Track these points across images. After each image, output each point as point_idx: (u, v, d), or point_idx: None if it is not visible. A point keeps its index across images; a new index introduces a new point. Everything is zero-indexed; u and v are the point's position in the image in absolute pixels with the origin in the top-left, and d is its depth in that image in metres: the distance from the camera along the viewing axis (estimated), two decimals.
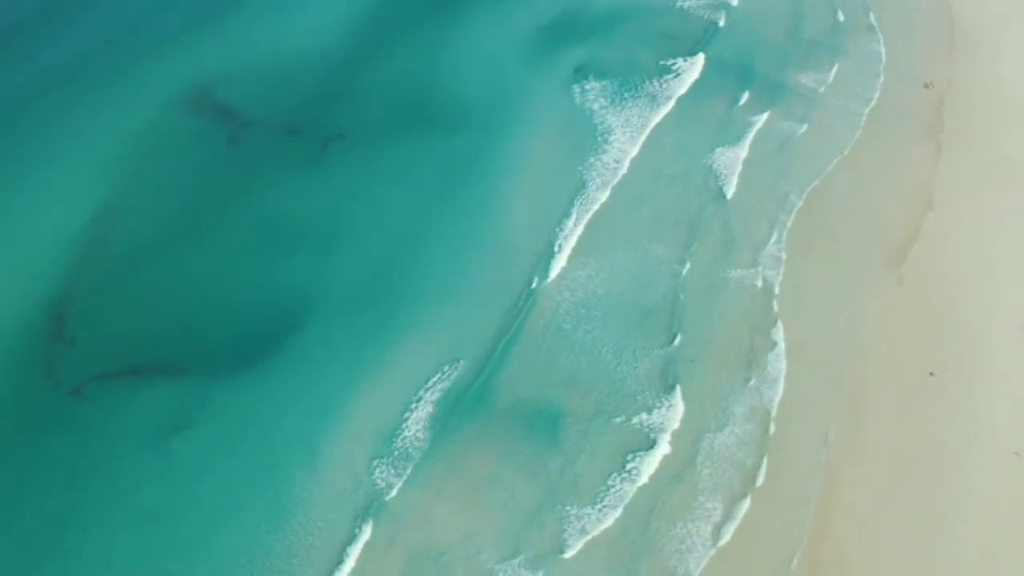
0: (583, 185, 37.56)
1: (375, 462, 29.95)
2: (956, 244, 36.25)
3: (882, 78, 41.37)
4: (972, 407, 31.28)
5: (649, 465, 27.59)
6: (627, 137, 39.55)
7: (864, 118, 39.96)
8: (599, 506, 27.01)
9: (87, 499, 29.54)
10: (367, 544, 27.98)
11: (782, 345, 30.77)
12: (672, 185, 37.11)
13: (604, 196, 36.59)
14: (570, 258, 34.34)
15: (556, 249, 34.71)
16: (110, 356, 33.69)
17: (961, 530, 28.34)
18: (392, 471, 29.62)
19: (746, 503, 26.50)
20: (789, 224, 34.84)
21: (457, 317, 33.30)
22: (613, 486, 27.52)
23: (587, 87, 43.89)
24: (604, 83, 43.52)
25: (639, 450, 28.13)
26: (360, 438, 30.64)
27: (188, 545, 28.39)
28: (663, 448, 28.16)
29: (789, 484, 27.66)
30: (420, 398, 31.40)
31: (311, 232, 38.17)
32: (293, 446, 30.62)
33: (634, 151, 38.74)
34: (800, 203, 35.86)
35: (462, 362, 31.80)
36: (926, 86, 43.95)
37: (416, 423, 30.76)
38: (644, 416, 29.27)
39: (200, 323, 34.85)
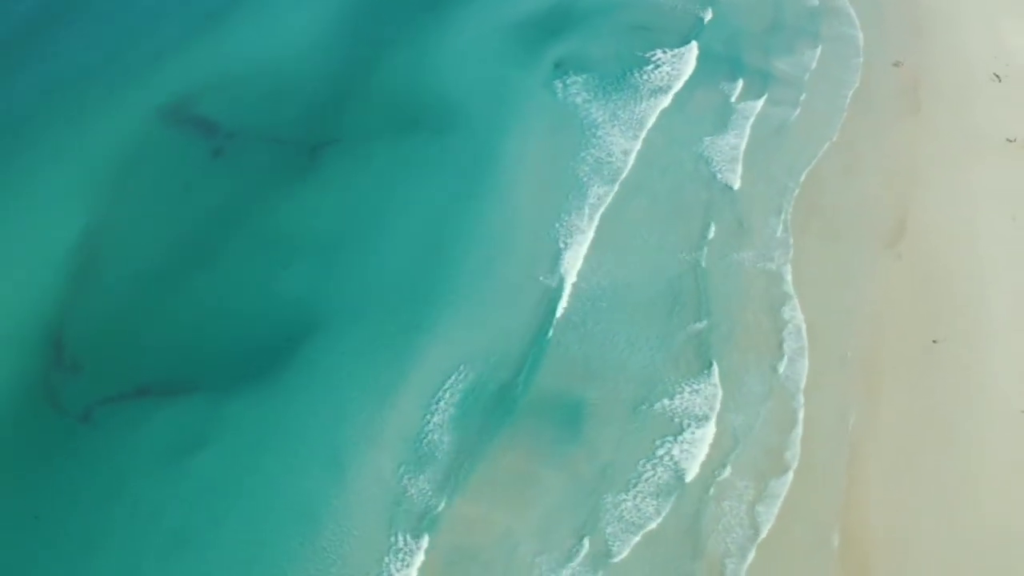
0: (592, 179, 37.75)
1: (403, 468, 29.66)
2: (944, 217, 37.45)
3: (861, 59, 42.56)
4: (976, 370, 32.33)
5: (697, 451, 28.20)
6: (629, 131, 39.90)
7: (848, 100, 41.08)
8: (650, 498, 27.42)
9: (111, 526, 28.77)
10: (405, 552, 27.73)
11: (802, 324, 31.82)
12: (679, 177, 37.64)
13: (614, 189, 36.91)
14: (588, 252, 34.51)
15: (574, 243, 34.84)
16: (115, 379, 32.85)
17: (981, 488, 29.26)
18: (423, 477, 29.34)
19: (788, 479, 27.22)
20: (790, 210, 35.89)
21: (476, 316, 33.21)
22: (661, 474, 27.92)
23: (574, 82, 43.91)
24: (596, 78, 43.49)
25: (683, 437, 28.65)
26: (387, 444, 30.34)
27: (221, 565, 27.87)
28: (707, 433, 28.71)
29: (821, 460, 28.47)
30: (444, 400, 31.24)
31: (310, 240, 37.69)
32: (318, 456, 30.25)
33: (638, 145, 39.15)
34: (797, 189, 36.92)
35: (487, 361, 31.65)
36: (895, 64, 45.31)
37: (443, 426, 30.56)
38: (682, 402, 29.72)
39: (205, 339, 34.21)
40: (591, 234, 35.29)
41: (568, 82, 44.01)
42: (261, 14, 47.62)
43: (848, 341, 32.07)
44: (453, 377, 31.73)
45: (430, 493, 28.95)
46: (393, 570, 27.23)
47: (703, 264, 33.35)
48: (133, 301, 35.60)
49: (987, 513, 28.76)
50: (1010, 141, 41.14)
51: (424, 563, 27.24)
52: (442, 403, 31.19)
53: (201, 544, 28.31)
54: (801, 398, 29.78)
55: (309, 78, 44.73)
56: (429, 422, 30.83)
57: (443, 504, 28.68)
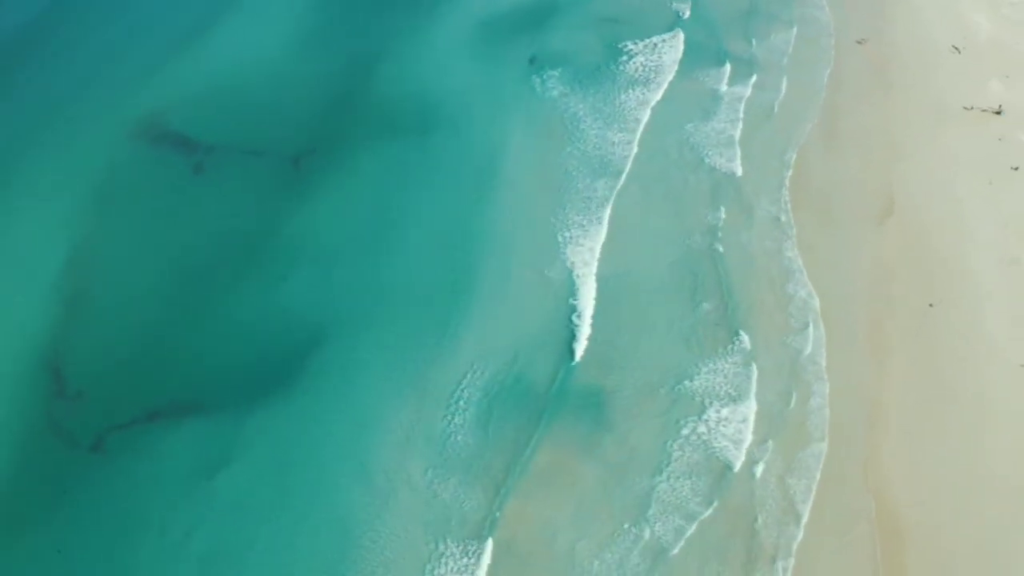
0: (597, 171, 38.05)
1: (433, 472, 29.36)
2: (926, 188, 38.74)
3: (832, 39, 43.82)
4: (973, 330, 33.52)
5: (742, 431, 28.78)
6: (627, 123, 40.35)
7: (825, 81, 42.34)
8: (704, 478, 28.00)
9: (138, 555, 27.93)
10: (447, 557, 27.52)
11: (815, 298, 32.92)
12: (682, 166, 38.30)
13: (621, 181, 37.33)
14: (605, 243, 34.85)
15: (588, 235, 35.06)
16: (123, 405, 31.89)
17: (989, 440, 30.35)
18: (455, 480, 29.12)
19: (824, 449, 28.03)
20: (788, 193, 37.01)
21: (491, 314, 33.18)
22: (713, 452, 28.56)
23: (554, 76, 44.36)
24: (583, 72, 44.08)
25: (726, 415, 29.26)
26: (414, 448, 30.05)
27: None
28: (749, 413, 29.33)
29: (846, 421, 29.45)
30: (466, 400, 31.09)
31: (306, 250, 37.10)
32: (346, 466, 29.82)
33: (637, 136, 39.58)
34: (791, 171, 38.02)
35: (510, 358, 31.65)
36: (859, 42, 46.69)
37: (469, 426, 30.40)
38: (719, 385, 30.29)
39: (212, 357, 33.45)
40: (605, 226, 35.59)
41: (550, 76, 44.26)
42: (230, 28, 46.77)
43: (854, 311, 33.07)
44: (473, 376, 31.61)
45: (464, 496, 28.73)
46: (438, 573, 27.06)
47: (720, 249, 34.18)
48: (130, 324, 34.65)
49: (997, 463, 29.84)
50: (967, 109, 42.78)
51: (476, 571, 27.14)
52: (465, 403, 31.03)
53: (235, 568, 27.70)
54: (823, 365, 30.93)
55: (284, 88, 44.12)
56: (453, 423, 30.66)
57: (484, 507, 28.43)
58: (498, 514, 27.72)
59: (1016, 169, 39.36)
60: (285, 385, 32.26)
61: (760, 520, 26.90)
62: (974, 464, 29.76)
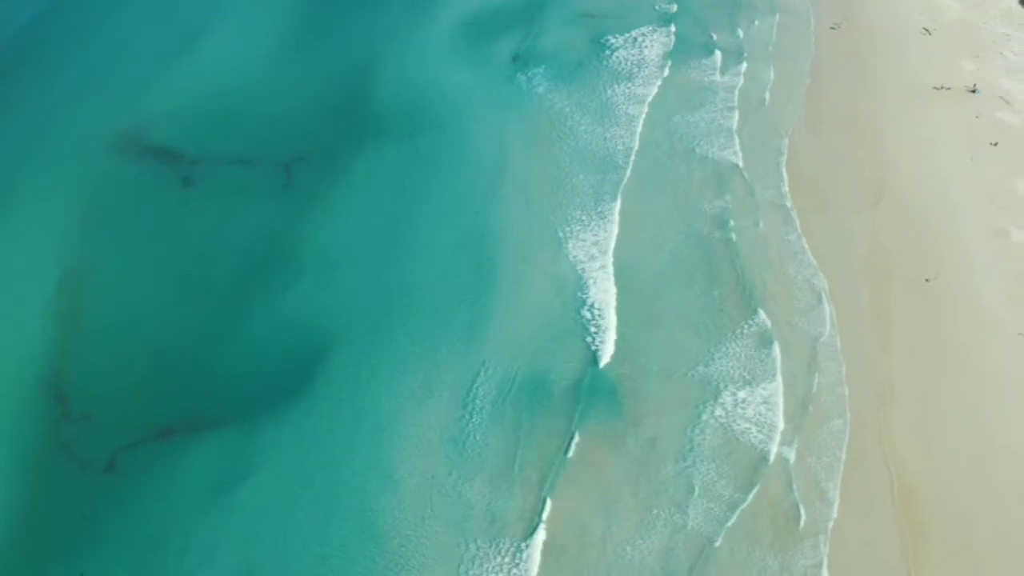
0: (602, 167, 38.33)
1: (453, 472, 29.21)
2: (911, 167, 39.71)
3: (812, 27, 44.76)
4: (970, 302, 34.41)
5: (774, 407, 29.31)
6: (626, 116, 40.76)
7: (807, 68, 43.23)
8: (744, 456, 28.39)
9: (163, 574, 27.46)
10: (478, 557, 27.35)
11: (822, 277, 33.78)
12: (688, 157, 38.68)
13: (626, 176, 37.68)
14: (619, 237, 35.03)
15: (601, 228, 35.28)
16: (133, 424, 31.20)
17: (994, 408, 31.19)
18: (476, 476, 29.05)
19: (845, 425, 28.86)
20: (785, 179, 37.85)
21: (506, 310, 33.18)
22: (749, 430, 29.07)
23: (539, 73, 44.59)
24: (563, 69, 44.58)
25: (756, 398, 29.69)
26: (435, 449, 29.87)
27: None
28: (777, 390, 29.91)
29: (860, 397, 30.23)
30: (483, 398, 31.01)
31: (305, 257, 36.72)
32: (368, 470, 29.47)
33: (637, 129, 39.97)
34: (785, 155, 38.78)
35: (524, 353, 31.71)
36: (833, 27, 47.67)
37: (485, 423, 30.33)
38: (744, 365, 30.81)
39: (218, 371, 32.84)
40: (616, 220, 35.79)
41: (535, 73, 44.46)
42: (211, 39, 46.10)
43: (857, 290, 33.81)
44: (488, 374, 31.52)
45: (490, 495, 28.58)
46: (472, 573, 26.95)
47: (733, 238, 34.81)
48: (130, 342, 33.87)
49: (1002, 429, 30.65)
50: (937, 89, 43.94)
51: (496, 560, 27.08)
52: (481, 401, 30.94)
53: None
54: (838, 347, 31.58)
55: (270, 96, 43.59)
56: (472, 421, 30.54)
57: (526, 506, 28.29)
58: (542, 513, 27.77)
59: (995, 145, 40.52)
60: (298, 394, 31.83)
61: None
62: (981, 432, 30.53)
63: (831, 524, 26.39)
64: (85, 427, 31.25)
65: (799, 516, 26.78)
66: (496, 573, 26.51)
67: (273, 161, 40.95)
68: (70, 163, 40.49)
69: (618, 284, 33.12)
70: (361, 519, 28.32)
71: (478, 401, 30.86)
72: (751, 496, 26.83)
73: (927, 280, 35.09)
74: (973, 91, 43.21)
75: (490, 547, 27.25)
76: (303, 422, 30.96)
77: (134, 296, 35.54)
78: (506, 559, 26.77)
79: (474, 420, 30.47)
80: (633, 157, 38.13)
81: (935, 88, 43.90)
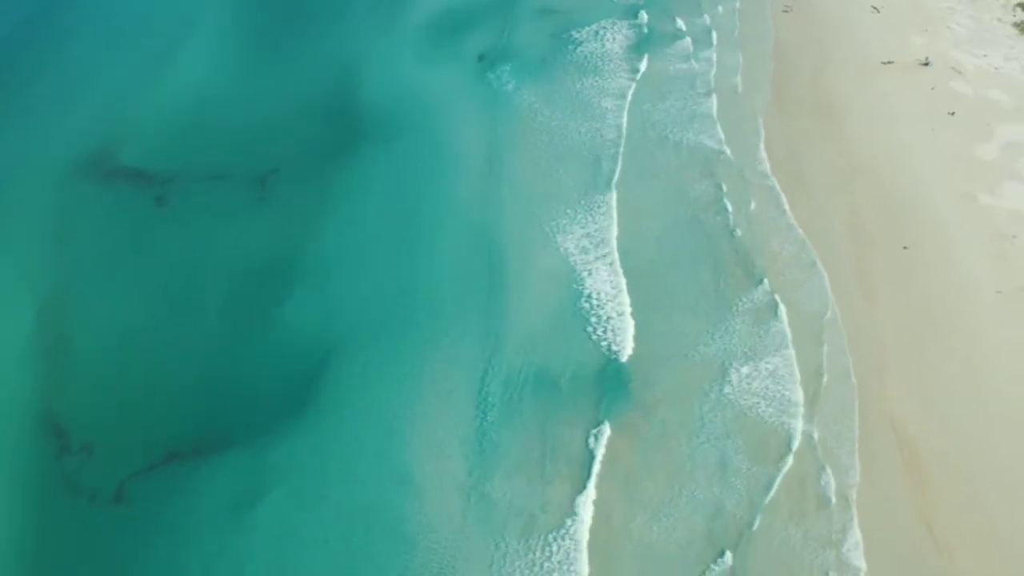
0: (594, 159, 38.59)
1: (477, 472, 29.15)
2: (877, 140, 41.00)
3: (768, 10, 46.00)
4: (947, 265, 35.74)
5: (791, 379, 30.27)
6: (609, 109, 41.15)
7: (771, 52, 44.43)
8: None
9: None
10: (512, 555, 27.34)
11: (812, 251, 35.10)
12: (675, 146, 39.30)
13: (618, 165, 38.00)
14: (619, 227, 35.38)
15: (598, 221, 35.56)
16: (137, 451, 30.45)
17: (981, 364, 32.54)
18: (505, 474, 29.02)
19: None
20: (766, 161, 38.95)
21: (506, 308, 33.27)
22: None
23: (502, 70, 44.71)
24: (521, 64, 44.65)
25: (771, 370, 30.67)
26: (450, 449, 29.85)
27: None
28: (792, 363, 30.91)
29: (861, 359, 31.69)
30: (493, 395, 31.04)
31: (291, 270, 36.15)
32: (386, 477, 29.30)
33: (623, 119, 40.44)
34: (763, 134, 39.85)
35: (538, 349, 31.80)
36: (785, 10, 48.95)
37: (505, 420, 30.33)
38: (759, 339, 31.77)
39: (219, 390, 32.18)
40: (614, 211, 36.09)
41: (503, 71, 44.58)
42: (174, 57, 44.95)
43: (843, 261, 35.02)
44: (501, 371, 31.56)
45: (522, 491, 28.53)
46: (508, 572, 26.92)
47: (731, 220, 35.71)
48: (123, 368, 32.97)
49: (991, 383, 32.00)
50: (885, 63, 45.53)
51: (530, 557, 27.16)
52: (498, 399, 30.95)
53: None
54: (838, 313, 32.91)
55: (239, 110, 42.74)
56: (486, 419, 30.57)
57: (548, 499, 28.37)
58: (584, 505, 27.91)
59: (952, 114, 42.15)
60: (305, 406, 31.46)
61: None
62: (973, 388, 31.79)
63: (855, 489, 27.33)
64: (88, 458, 30.35)
65: (828, 481, 27.68)
66: (546, 571, 26.59)
67: (247, 175, 40.19)
68: (35, 191, 39.17)
69: (627, 275, 33.50)
70: (387, 525, 28.10)
71: (493, 399, 30.95)
72: (789, 462, 27.83)
73: (905, 248, 36.35)
74: (926, 64, 44.86)
75: (532, 544, 27.27)
76: (314, 434, 30.61)
77: (119, 322, 34.59)
78: (554, 555, 26.84)
79: (490, 419, 30.49)
80: (621, 149, 38.58)
81: (884, 63, 45.33)
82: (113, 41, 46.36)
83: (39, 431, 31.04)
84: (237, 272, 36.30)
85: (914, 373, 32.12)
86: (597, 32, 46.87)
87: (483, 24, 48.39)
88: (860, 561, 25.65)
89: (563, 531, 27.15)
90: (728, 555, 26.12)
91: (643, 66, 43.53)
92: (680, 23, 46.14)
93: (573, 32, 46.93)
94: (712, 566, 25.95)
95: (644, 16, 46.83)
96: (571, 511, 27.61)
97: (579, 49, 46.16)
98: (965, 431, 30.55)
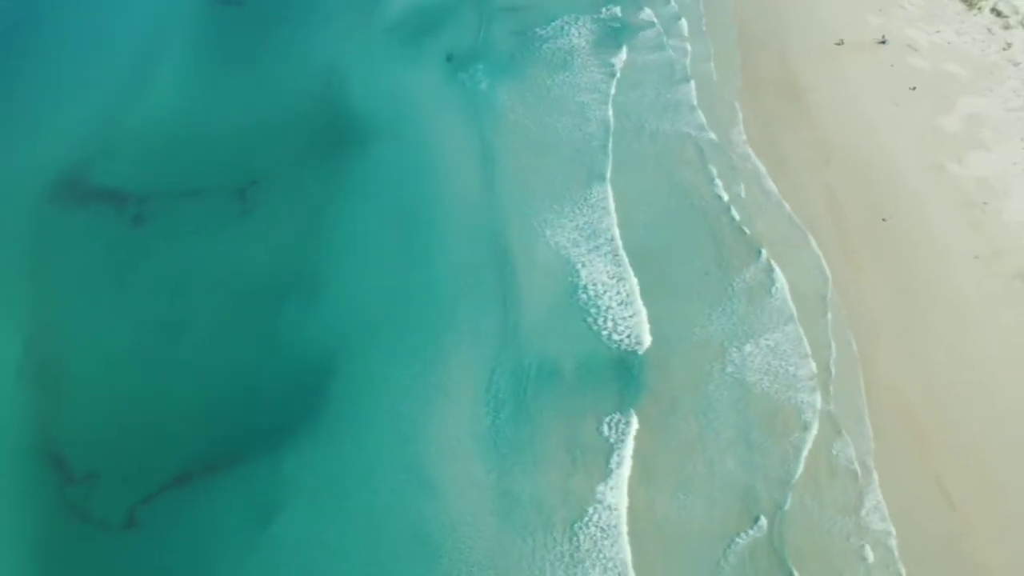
0: (584, 153, 38.91)
1: (497, 471, 29.16)
2: (843, 117, 42.04)
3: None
4: (924, 233, 36.82)
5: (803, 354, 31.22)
6: (590, 100, 41.55)
7: (736, 37, 45.46)
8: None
9: None
10: (540, 551, 27.37)
11: (804, 228, 36.14)
12: (663, 136, 39.78)
13: (609, 158, 38.35)
14: (619, 219, 35.71)
15: (595, 211, 35.90)
16: (144, 474, 29.85)
17: (965, 322, 33.70)
18: (518, 470, 29.17)
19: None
20: (748, 146, 39.87)
21: (510, 303, 33.40)
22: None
23: (474, 70, 44.68)
24: (492, 63, 44.74)
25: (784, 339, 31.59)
26: (465, 448, 29.88)
27: None
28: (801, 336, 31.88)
29: (858, 330, 32.66)
30: (503, 391, 31.16)
31: (282, 281, 35.71)
32: (404, 481, 29.21)
33: (608, 111, 40.80)
34: (743, 115, 40.95)
35: (546, 341, 31.97)
36: None
37: (513, 416, 30.46)
38: (765, 303, 32.77)
39: (222, 406, 31.69)
40: (611, 203, 36.41)
41: (474, 70, 44.55)
42: (137, 71, 44.02)
43: (827, 235, 36.04)
44: (504, 367, 31.63)
45: (531, 488, 28.71)
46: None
47: (729, 208, 36.45)
48: (119, 392, 32.28)
49: (978, 344, 33.21)
50: (838, 45, 46.84)
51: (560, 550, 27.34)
52: (504, 394, 31.06)
53: None
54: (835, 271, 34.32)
55: (209, 122, 42.04)
56: (498, 416, 30.63)
57: (577, 492, 28.52)
58: (620, 496, 28.10)
59: (913, 89, 43.49)
60: (312, 416, 31.15)
61: None
62: (963, 350, 32.89)
63: (871, 456, 28.29)
64: (93, 486, 29.63)
65: (847, 450, 28.62)
66: (591, 561, 26.74)
67: (226, 188, 39.59)
68: (8, 217, 38.08)
69: (631, 262, 33.92)
70: (410, 529, 27.99)
71: (505, 395, 31.02)
72: (813, 432, 28.67)
73: (884, 220, 37.47)
74: (883, 42, 46.20)
75: (569, 535, 27.39)
76: (326, 443, 30.35)
77: (110, 346, 33.81)
78: (595, 542, 27.02)
79: (503, 415, 30.54)
80: (611, 142, 39.02)
81: (844, 44, 46.44)
82: (79, 59, 45.23)
83: (39, 463, 30.22)
84: (226, 287, 35.76)
85: (905, 339, 33.13)
86: (563, 27, 47.16)
87: (445, 26, 48.25)
88: (888, 525, 26.61)
89: (596, 520, 27.37)
90: (763, 520, 26.79)
91: (622, 57, 43.99)
92: (651, 12, 46.74)
93: (539, 29, 47.11)
94: (749, 531, 26.58)
95: (611, 8, 47.30)
96: (600, 499, 27.83)
97: (548, 45, 46.37)
98: (957, 389, 31.59)
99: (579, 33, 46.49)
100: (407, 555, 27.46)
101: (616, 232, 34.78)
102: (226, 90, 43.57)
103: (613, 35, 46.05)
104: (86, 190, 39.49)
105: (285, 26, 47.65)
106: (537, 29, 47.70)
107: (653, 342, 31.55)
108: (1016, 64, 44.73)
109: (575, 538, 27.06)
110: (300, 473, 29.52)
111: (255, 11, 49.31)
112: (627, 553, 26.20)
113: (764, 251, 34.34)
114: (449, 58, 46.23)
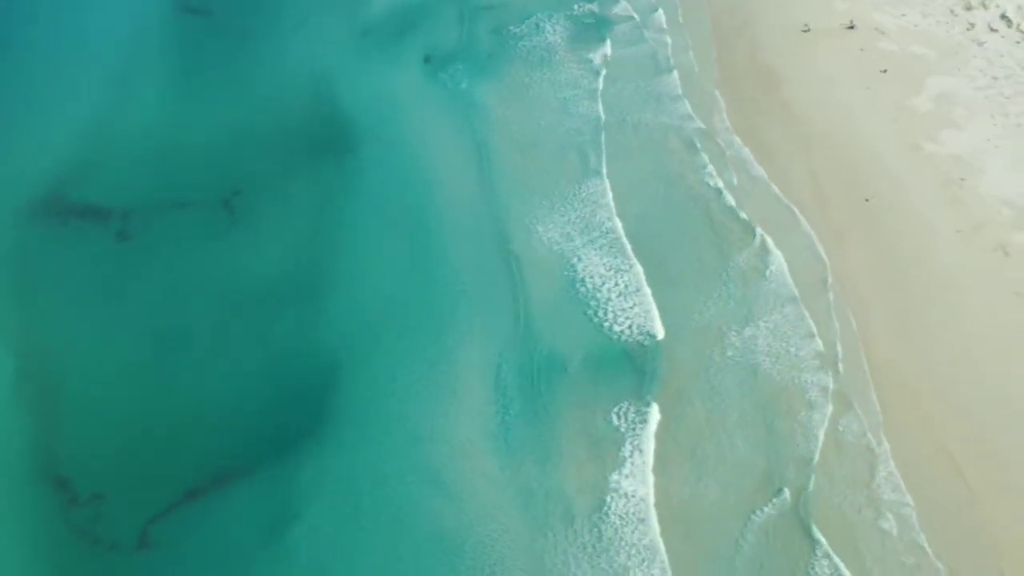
0: (576, 148, 39.20)
1: (509, 467, 29.22)
2: (818, 102, 42.85)
3: None
4: (907, 211, 37.69)
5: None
6: (581, 96, 41.90)
7: (710, 28, 46.23)
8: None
9: None
10: (562, 544, 27.42)
11: (796, 212, 37.18)
12: (654, 127, 40.43)
13: (602, 150, 38.79)
14: (619, 210, 36.10)
15: (595, 201, 36.25)
16: (153, 492, 29.28)
17: (952, 295, 34.52)
18: (532, 464, 29.25)
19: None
20: (735, 132, 40.75)
21: (511, 299, 33.52)
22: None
23: (454, 70, 44.73)
24: (472, 63, 44.86)
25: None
26: (477, 447, 29.88)
27: None
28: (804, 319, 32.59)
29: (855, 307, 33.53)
30: (510, 387, 31.20)
31: (275, 291, 35.38)
32: (419, 483, 29.10)
33: (598, 106, 41.16)
34: (725, 103, 41.81)
35: (551, 335, 32.13)
36: None
37: (523, 411, 30.55)
38: (763, 285, 33.63)
39: (227, 419, 31.25)
40: (610, 195, 36.82)
41: (454, 71, 44.62)
42: (112, 82, 43.22)
43: (814, 216, 36.93)
44: (511, 362, 31.73)
45: (546, 482, 28.84)
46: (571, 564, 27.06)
47: (722, 188, 37.43)
48: (120, 410, 31.66)
49: (965, 315, 34.19)
50: (805, 31, 47.82)
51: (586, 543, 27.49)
52: (511, 390, 31.16)
53: None
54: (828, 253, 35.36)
55: (188, 133, 41.40)
56: (507, 412, 30.71)
57: (562, 483, 28.80)
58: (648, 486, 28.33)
59: (884, 71, 44.54)
60: (321, 422, 30.92)
61: None
62: (948, 318, 33.87)
63: (881, 429, 29.13)
64: (101, 507, 29.01)
65: (861, 423, 29.44)
66: (622, 549, 26.90)
67: (211, 199, 39.00)
68: None
69: (636, 252, 34.28)
70: (429, 531, 27.90)
71: (512, 390, 31.02)
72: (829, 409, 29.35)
73: (867, 200, 38.33)
74: (851, 27, 47.23)
75: (595, 528, 27.58)
76: (336, 449, 30.13)
77: (105, 363, 33.15)
78: (625, 534, 27.20)
79: (513, 410, 30.61)
80: (603, 136, 39.38)
81: (814, 30, 47.33)
82: (45, 74, 44.14)
83: (42, 487, 29.50)
84: (221, 297, 35.30)
85: (896, 313, 33.89)
86: (539, 24, 47.41)
87: (418, 28, 48.05)
88: (905, 496, 27.38)
89: (622, 508, 27.62)
90: (786, 492, 27.53)
91: (605, 51, 44.43)
92: (626, 6, 47.21)
93: (515, 26, 47.23)
94: (774, 500, 27.32)
95: (585, 4, 47.66)
96: (625, 487, 28.07)
97: (526, 42, 46.43)
98: (949, 358, 32.41)
99: (557, 29, 46.73)
100: (430, 557, 27.37)
101: (617, 224, 35.10)
102: (202, 100, 42.94)
103: (594, 28, 46.35)
104: (65, 208, 38.62)
105: (257, 34, 47.15)
106: (512, 27, 47.74)
107: (665, 328, 31.87)
108: (980, 44, 46.10)
109: (600, 527, 27.27)
110: (312, 480, 29.24)
111: (224, 20, 48.73)
112: (657, 537, 26.53)
113: (761, 232, 35.23)
114: (427, 59, 46.17)
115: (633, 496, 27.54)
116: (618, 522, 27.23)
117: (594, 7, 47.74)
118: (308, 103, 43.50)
